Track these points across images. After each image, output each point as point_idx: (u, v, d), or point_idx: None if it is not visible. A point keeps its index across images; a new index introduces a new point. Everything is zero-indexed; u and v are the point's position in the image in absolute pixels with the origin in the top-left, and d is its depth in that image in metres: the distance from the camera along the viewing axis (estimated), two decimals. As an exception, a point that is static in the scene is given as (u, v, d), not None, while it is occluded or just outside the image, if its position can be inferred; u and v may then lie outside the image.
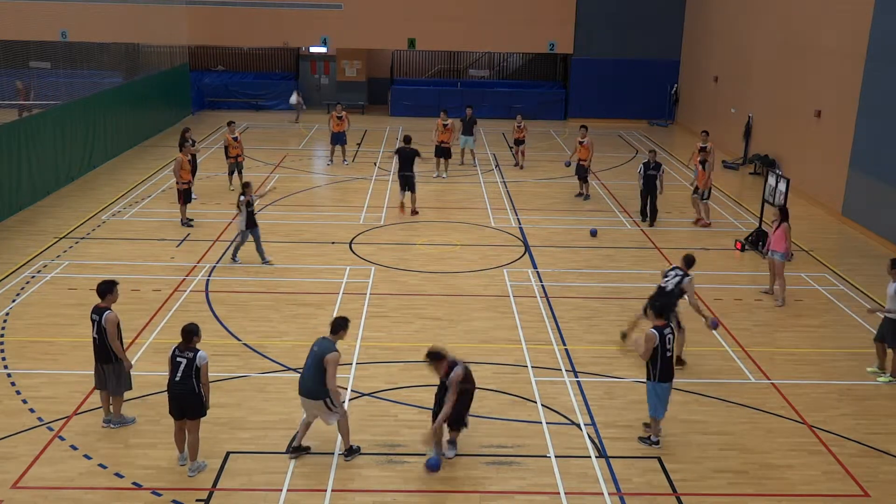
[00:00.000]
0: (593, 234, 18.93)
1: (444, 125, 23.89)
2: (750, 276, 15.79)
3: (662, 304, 10.57)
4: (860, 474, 9.87)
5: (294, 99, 33.56)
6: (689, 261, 12.48)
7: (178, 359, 9.25)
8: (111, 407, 10.35)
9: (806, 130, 22.78)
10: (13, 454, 9.78)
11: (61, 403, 10.83)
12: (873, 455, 10.31)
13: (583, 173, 22.06)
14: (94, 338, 10.05)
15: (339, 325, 9.56)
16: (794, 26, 23.98)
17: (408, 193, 20.05)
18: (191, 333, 9.29)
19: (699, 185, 19.64)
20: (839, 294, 15.68)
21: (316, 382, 9.40)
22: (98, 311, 10.03)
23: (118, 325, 10.01)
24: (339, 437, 9.91)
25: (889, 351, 12.22)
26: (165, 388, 9.44)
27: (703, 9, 32.11)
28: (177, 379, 9.24)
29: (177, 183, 18.67)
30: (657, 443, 10.24)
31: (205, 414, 9.45)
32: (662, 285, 12.29)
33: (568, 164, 22.66)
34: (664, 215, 20.71)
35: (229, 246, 16.93)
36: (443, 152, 24.13)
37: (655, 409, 10.13)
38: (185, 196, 18.70)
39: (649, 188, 19.66)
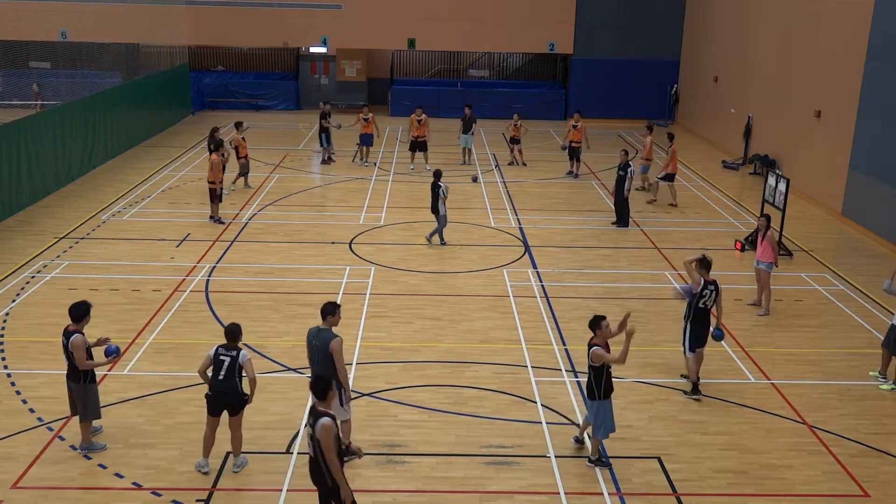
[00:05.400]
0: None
1: (418, 121, 24.54)
2: (750, 276, 15.77)
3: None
4: (860, 474, 9.87)
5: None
6: (709, 266, 11.68)
7: (222, 357, 9.29)
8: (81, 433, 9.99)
9: (806, 130, 22.78)
10: (13, 454, 9.78)
11: (61, 403, 10.79)
12: (873, 455, 10.31)
13: (575, 154, 24.31)
14: (66, 360, 9.67)
15: (327, 311, 9.46)
16: (794, 26, 23.98)
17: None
18: (235, 333, 9.37)
19: (672, 170, 21.41)
20: (839, 294, 15.68)
21: (329, 374, 9.39)
22: (67, 334, 9.60)
23: (86, 347, 9.59)
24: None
25: (893, 358, 12.18)
26: (209, 389, 9.36)
27: (703, 9, 32.11)
28: (220, 377, 9.26)
29: (211, 182, 18.81)
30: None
31: (244, 405, 9.47)
32: (702, 306, 11.46)
33: (564, 148, 24.92)
34: (664, 216, 20.75)
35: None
36: (418, 146, 24.82)
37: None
38: (219, 195, 18.98)
39: (617, 189, 19.65)
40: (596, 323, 9.73)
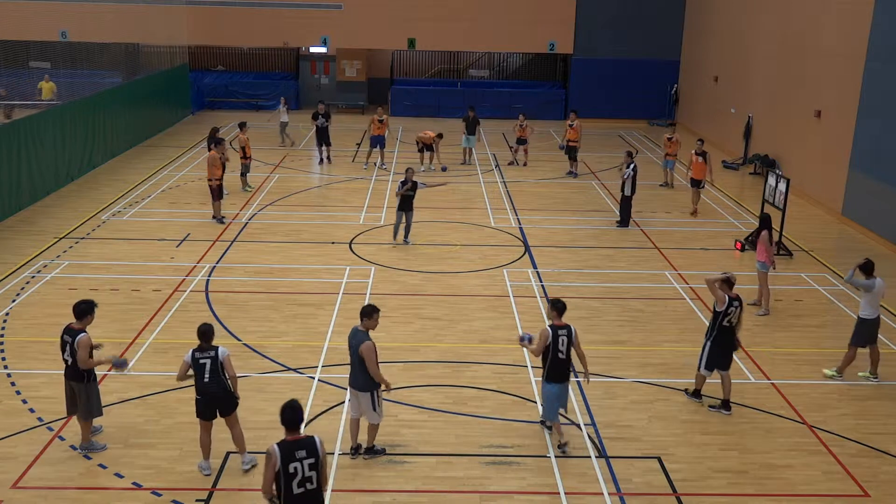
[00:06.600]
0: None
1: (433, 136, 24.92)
2: (750, 276, 15.78)
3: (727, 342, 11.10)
4: (860, 474, 9.87)
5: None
6: (732, 284, 11.24)
7: (202, 360, 9.21)
8: (81, 432, 9.96)
9: (806, 130, 22.78)
10: (13, 454, 9.78)
11: (61, 403, 10.76)
12: (873, 455, 10.31)
13: (572, 153, 24.44)
14: (65, 360, 9.60)
15: (364, 313, 9.60)
16: (794, 26, 23.98)
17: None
18: (207, 333, 9.30)
19: (698, 176, 20.66)
20: (839, 294, 15.68)
21: (363, 375, 9.51)
22: (71, 332, 9.53)
23: (91, 347, 9.56)
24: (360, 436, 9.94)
25: (855, 348, 12.17)
26: (196, 392, 9.32)
27: (703, 9, 32.11)
28: (206, 379, 9.20)
29: (210, 180, 18.85)
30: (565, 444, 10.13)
31: (236, 406, 9.46)
32: (727, 324, 11.00)
33: (562, 147, 25.28)
34: (664, 216, 20.75)
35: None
36: (427, 148, 25.00)
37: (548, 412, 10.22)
38: (219, 192, 18.96)
39: (623, 189, 19.63)
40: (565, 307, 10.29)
